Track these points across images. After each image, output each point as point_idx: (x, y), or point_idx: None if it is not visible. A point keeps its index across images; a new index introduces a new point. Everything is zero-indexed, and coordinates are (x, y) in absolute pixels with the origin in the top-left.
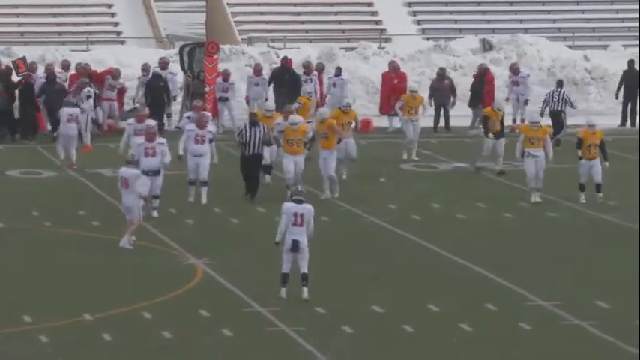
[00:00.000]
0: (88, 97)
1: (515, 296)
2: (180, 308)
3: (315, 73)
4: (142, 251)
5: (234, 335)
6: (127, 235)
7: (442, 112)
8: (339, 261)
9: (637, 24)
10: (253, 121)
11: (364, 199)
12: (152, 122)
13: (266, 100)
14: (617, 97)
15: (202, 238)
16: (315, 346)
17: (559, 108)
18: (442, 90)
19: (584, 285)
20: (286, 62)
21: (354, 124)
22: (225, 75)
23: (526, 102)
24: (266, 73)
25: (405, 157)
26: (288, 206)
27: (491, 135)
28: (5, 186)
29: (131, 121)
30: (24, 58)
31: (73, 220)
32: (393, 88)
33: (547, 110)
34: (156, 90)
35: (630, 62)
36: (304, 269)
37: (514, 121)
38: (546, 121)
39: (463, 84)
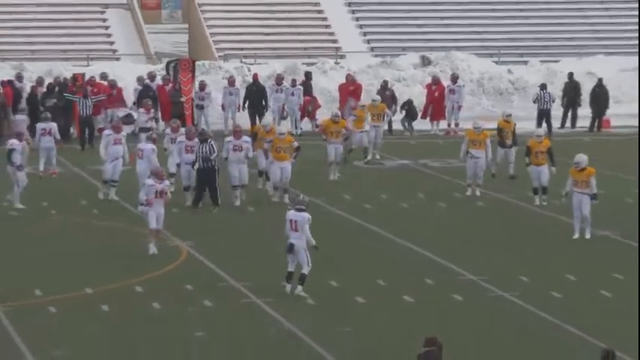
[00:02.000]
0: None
1: (450, 272)
2: (167, 283)
3: (286, 84)
4: (135, 236)
5: (213, 305)
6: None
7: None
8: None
9: (552, 42)
10: (202, 138)
11: (323, 191)
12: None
13: (243, 108)
14: (562, 105)
15: (187, 225)
16: (281, 314)
17: (547, 107)
18: (385, 99)
19: (507, 263)
20: (254, 77)
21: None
22: (202, 86)
23: (459, 108)
24: (239, 84)
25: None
26: (288, 214)
27: (509, 142)
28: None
29: (108, 131)
30: (83, 74)
31: (76, 208)
32: (349, 94)
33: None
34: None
35: (570, 75)
36: (303, 270)
37: (449, 125)
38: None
39: (406, 94)
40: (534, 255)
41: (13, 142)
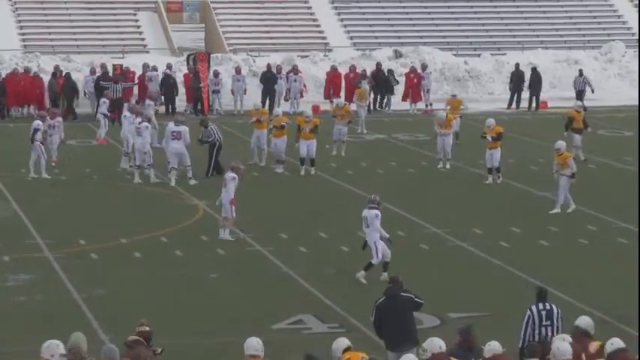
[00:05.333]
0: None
1: (417, 226)
2: (187, 235)
3: (284, 74)
4: (161, 196)
5: (224, 253)
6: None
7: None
8: (297, 202)
9: (500, 39)
10: (204, 124)
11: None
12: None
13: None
14: (509, 89)
15: (203, 188)
16: (280, 261)
17: (582, 88)
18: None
19: (463, 217)
20: (267, 66)
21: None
22: (216, 74)
23: (428, 91)
24: (245, 72)
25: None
26: (363, 212)
27: (582, 128)
28: (67, 151)
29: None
30: (121, 65)
31: (112, 174)
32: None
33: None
34: (168, 85)
35: (517, 65)
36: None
37: (426, 105)
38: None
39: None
40: (489, 210)
41: (38, 123)
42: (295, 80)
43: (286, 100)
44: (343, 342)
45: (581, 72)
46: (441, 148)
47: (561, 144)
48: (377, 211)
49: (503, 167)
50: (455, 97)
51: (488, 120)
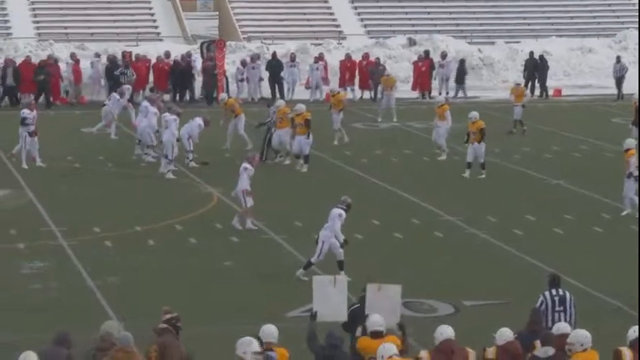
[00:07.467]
0: None
1: (432, 214)
2: (201, 222)
3: (298, 61)
4: (176, 184)
5: (238, 240)
6: (240, 218)
7: (379, 89)
8: (311, 190)
9: (514, 27)
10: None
11: (327, 147)
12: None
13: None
14: (524, 77)
15: (217, 176)
16: (294, 248)
17: (621, 74)
18: (379, 73)
19: (477, 205)
20: (273, 55)
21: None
22: (244, 63)
23: (447, 79)
24: (259, 61)
25: (379, 119)
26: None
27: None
28: (82, 140)
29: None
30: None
31: (127, 162)
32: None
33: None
34: (183, 72)
35: (531, 53)
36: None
37: (440, 93)
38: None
39: (396, 69)
40: (501, 199)
41: (25, 112)
42: (317, 69)
43: (307, 88)
44: (249, 341)
45: (618, 58)
46: (436, 139)
47: (631, 142)
48: (341, 211)
49: (516, 155)
50: (519, 86)
51: (471, 113)
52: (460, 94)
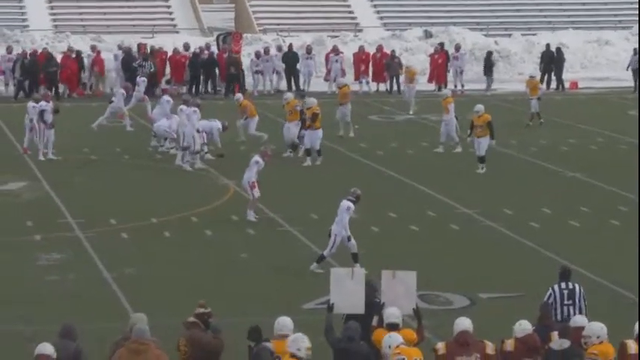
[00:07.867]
0: None
1: (448, 206)
2: (217, 214)
3: (314, 53)
4: (192, 176)
5: (255, 233)
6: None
7: (395, 81)
8: (327, 183)
9: (530, 19)
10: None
11: (343, 140)
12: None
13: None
14: (540, 70)
15: (233, 168)
16: (309, 240)
17: (638, 67)
18: (394, 65)
19: (493, 197)
20: (289, 47)
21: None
22: (258, 55)
23: (462, 72)
24: (274, 54)
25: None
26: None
27: None
28: (97, 132)
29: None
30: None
31: (143, 154)
32: (362, 62)
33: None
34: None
35: (547, 45)
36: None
37: (455, 86)
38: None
39: (412, 61)
40: (516, 192)
41: (42, 104)
42: (337, 61)
43: (326, 80)
44: (301, 337)
45: (635, 50)
46: (443, 133)
47: None
48: (350, 204)
49: (533, 148)
50: (533, 78)
51: (477, 106)
52: (491, 86)
